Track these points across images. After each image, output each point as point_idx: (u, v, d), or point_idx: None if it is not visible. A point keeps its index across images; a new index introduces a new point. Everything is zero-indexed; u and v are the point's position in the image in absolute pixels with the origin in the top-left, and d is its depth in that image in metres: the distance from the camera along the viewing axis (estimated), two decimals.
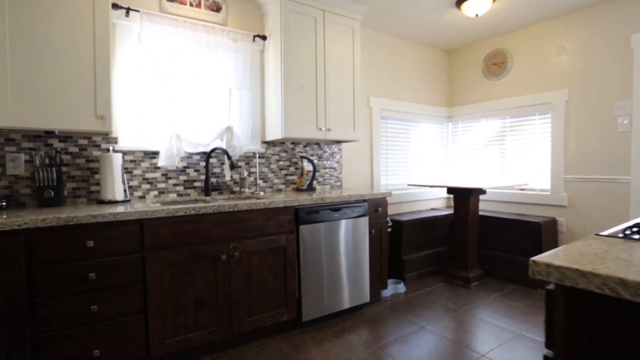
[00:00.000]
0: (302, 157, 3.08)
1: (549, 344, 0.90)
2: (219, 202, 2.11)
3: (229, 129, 2.65)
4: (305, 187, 3.08)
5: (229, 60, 2.74)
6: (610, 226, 3.09)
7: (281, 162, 3.05)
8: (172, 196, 2.55)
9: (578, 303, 0.77)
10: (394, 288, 3.16)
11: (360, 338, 2.34)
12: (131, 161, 2.41)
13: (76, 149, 2.23)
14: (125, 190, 2.31)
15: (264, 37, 2.84)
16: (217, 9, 2.73)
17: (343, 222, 2.58)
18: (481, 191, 3.32)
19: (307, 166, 3.17)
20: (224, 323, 2.11)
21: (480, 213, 3.74)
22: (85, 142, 2.26)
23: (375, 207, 2.80)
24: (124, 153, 2.38)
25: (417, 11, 3.21)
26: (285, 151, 3.07)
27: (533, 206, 3.58)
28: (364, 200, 2.72)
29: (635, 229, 1.11)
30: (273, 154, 3.00)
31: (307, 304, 2.41)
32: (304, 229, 2.39)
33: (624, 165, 3.00)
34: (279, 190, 3.03)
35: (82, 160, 2.25)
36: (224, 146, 2.67)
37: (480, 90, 4.01)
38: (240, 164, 2.83)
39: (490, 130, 3.95)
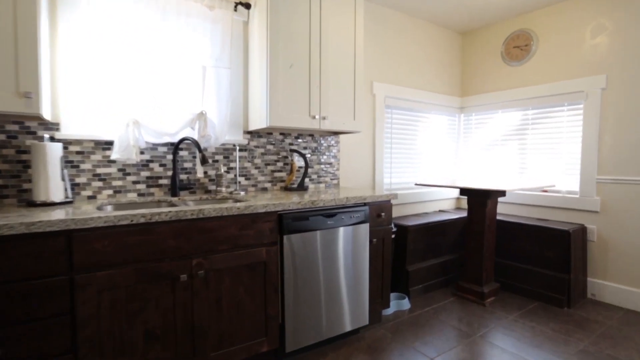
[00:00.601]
0: (292, 151, 2.60)
1: None
2: (178, 207, 1.64)
3: (202, 115, 2.17)
4: (295, 185, 2.61)
5: (204, 33, 2.25)
6: None
7: (267, 156, 2.57)
8: (131, 196, 2.08)
9: None
10: (397, 304, 2.70)
11: None
12: (78, 153, 1.93)
13: (3, 137, 1.76)
14: (66, 189, 1.84)
15: (247, 5, 2.35)
16: None
17: (338, 231, 2.12)
18: (501, 193, 2.85)
19: (299, 161, 2.70)
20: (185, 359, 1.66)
21: (498, 217, 3.27)
22: (15, 127, 1.78)
23: (377, 212, 2.33)
24: (68, 143, 1.90)
25: None
26: (273, 143, 2.59)
27: (557, 210, 3.10)
28: (365, 204, 2.26)
29: None
30: (258, 146, 2.52)
31: (292, 331, 1.95)
32: (289, 239, 1.92)
33: None
34: (264, 190, 2.56)
35: (12, 151, 1.78)
36: (195, 136, 2.19)
37: (498, 78, 3.51)
38: (217, 157, 2.35)
39: (508, 124, 3.46)
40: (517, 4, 3.07)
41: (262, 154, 2.55)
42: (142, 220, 1.51)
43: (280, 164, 2.63)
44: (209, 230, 1.68)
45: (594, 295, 2.91)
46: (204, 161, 2.02)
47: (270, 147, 2.58)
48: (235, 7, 2.33)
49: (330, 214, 2.08)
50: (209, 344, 1.71)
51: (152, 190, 2.14)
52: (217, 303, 1.74)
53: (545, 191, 3.19)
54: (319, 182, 2.84)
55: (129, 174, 2.07)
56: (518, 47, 3.30)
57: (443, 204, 3.79)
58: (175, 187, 2.11)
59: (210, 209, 1.67)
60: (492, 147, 3.61)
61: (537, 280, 2.88)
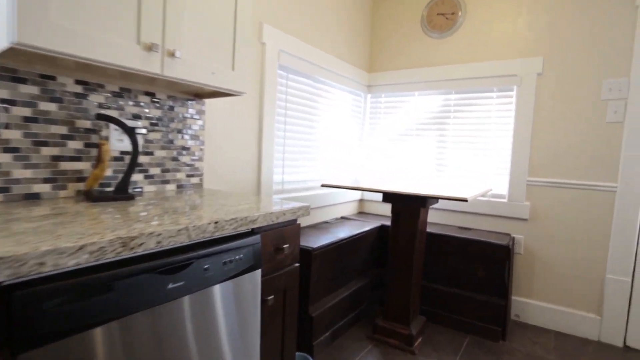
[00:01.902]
0: (102, 117, 1.22)
1: None
2: None
3: None
4: (111, 189, 1.27)
5: None
6: (588, 248, 2.22)
7: (44, 126, 1.15)
8: None
9: None
10: None
11: None
12: None
13: None
14: None
15: None
16: None
17: (196, 299, 0.92)
18: (433, 200, 2.07)
19: (119, 141, 1.35)
20: None
21: None
22: None
23: (276, 243, 1.21)
24: None
25: None
26: (59, 99, 1.18)
27: (481, 217, 2.54)
28: (252, 232, 1.11)
29: None
30: (16, 100, 1.08)
31: None
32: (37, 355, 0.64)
33: (610, 168, 2.13)
34: (35, 197, 1.14)
35: None
36: None
37: (416, 51, 2.77)
38: None
39: (426, 109, 2.77)
40: None
41: (33, 117, 1.12)
42: None
43: (76, 144, 1.23)
44: None
45: (518, 317, 2.43)
46: None
47: (52, 105, 1.16)
48: None
49: (177, 265, 0.86)
50: None
51: None
52: None
53: (487, 193, 2.59)
54: (163, 181, 1.54)
55: None
56: (443, 15, 2.60)
57: (345, 208, 2.91)
58: None
59: None
60: (405, 137, 2.87)
61: (468, 308, 2.23)
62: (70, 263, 0.65)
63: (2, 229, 0.73)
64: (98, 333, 0.71)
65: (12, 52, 0.90)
